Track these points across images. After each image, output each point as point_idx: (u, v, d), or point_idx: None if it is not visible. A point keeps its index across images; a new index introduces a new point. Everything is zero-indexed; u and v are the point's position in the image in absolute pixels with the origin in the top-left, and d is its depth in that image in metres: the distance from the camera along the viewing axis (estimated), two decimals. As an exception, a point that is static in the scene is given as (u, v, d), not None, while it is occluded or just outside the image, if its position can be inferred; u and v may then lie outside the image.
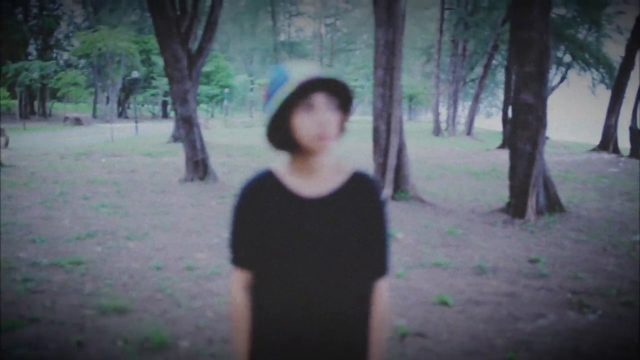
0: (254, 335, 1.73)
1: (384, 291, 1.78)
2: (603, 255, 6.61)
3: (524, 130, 8.39)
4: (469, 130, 36.57)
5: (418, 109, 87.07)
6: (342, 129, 1.70)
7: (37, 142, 24.29)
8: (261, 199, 1.71)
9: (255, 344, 1.73)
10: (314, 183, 1.70)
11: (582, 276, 5.68)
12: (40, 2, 54.54)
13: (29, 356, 3.57)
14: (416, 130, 40.94)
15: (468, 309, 4.74)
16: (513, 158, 8.65)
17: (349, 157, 19.01)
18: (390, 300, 4.71)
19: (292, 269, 1.65)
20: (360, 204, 1.71)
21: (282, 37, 56.81)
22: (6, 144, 20.54)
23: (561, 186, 12.37)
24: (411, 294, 5.05)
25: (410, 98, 72.93)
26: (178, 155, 16.33)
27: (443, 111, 43.75)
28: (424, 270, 5.85)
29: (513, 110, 8.64)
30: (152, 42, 51.26)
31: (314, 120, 1.60)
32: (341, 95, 1.65)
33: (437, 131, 37.33)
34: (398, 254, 6.34)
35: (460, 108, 54.30)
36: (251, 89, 66.02)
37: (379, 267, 1.77)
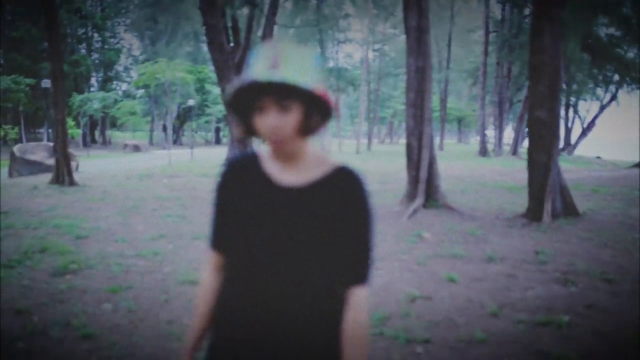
0: (213, 321, 1.65)
1: (359, 301, 1.56)
2: (602, 249, 7.54)
3: (538, 143, 9.38)
4: (515, 150, 37.07)
5: (467, 131, 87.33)
6: (309, 129, 1.53)
7: (102, 166, 26.27)
8: (238, 181, 1.64)
9: (214, 330, 1.66)
10: (294, 172, 1.60)
11: (576, 263, 6.67)
12: (102, 37, 58.05)
13: (132, 306, 4.87)
14: (463, 152, 41.75)
15: (471, 284, 5.81)
16: (531, 168, 9.64)
17: (384, 172, 20.12)
18: (407, 279, 5.86)
19: (256, 258, 1.55)
20: (340, 199, 1.55)
21: (331, 64, 58.49)
22: (77, 167, 22.47)
23: (590, 197, 13.18)
24: (426, 274, 6.15)
25: (459, 120, 73.30)
26: (232, 175, 17.73)
27: (491, 132, 44.36)
28: (441, 259, 6.93)
29: (528, 126, 9.62)
30: (206, 72, 53.89)
31: (264, 124, 1.50)
32: (302, 95, 1.47)
33: (483, 152, 38.04)
34: (421, 249, 7.48)
35: (509, 129, 54.65)
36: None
37: (355, 272, 1.57)
